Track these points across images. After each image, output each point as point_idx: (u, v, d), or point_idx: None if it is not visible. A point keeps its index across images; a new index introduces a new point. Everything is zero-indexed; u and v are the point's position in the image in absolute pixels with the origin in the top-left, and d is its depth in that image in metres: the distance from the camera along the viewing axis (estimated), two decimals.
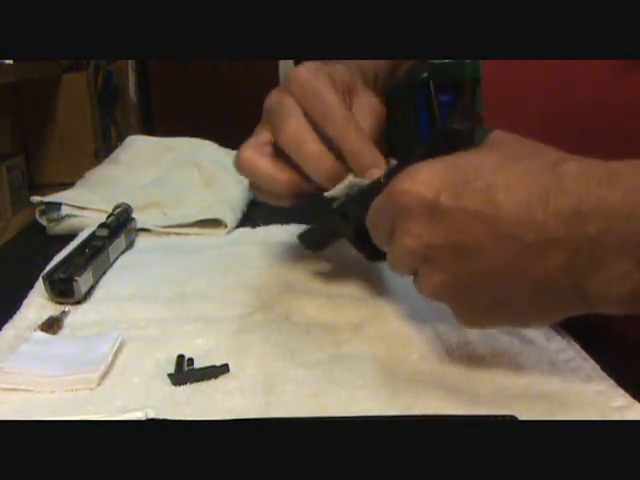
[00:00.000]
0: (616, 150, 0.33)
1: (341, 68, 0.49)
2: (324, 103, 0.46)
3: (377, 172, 0.45)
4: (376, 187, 0.42)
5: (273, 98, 0.49)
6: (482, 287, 0.36)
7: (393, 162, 0.47)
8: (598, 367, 0.40)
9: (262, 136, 0.50)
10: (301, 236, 0.56)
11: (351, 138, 0.46)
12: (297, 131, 0.46)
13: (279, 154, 0.48)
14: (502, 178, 0.34)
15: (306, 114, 0.47)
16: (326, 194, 0.47)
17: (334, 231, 0.51)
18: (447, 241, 0.35)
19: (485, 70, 0.57)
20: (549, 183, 0.33)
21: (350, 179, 0.46)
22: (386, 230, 0.39)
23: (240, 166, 0.49)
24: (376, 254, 0.46)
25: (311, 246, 0.57)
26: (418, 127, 0.95)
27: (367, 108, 0.49)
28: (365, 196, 0.43)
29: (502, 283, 0.35)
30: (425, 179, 0.36)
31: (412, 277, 0.40)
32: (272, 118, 0.49)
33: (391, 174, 0.40)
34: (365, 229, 0.42)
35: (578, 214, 0.32)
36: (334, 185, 0.47)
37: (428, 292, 0.38)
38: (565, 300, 0.35)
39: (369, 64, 0.53)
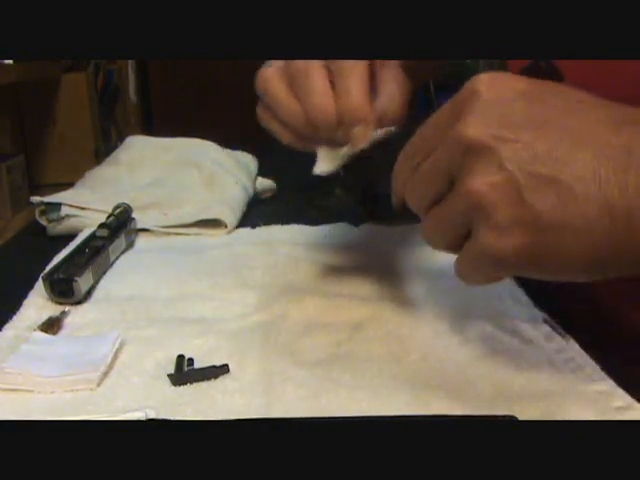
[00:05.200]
0: None
1: None
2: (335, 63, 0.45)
3: (362, 134, 0.44)
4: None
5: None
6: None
7: (378, 132, 0.45)
8: (598, 367, 0.40)
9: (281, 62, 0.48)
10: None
11: (352, 86, 0.44)
12: (308, 64, 0.45)
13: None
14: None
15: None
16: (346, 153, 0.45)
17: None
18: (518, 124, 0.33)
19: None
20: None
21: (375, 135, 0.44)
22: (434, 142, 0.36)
23: (259, 85, 0.47)
24: (373, 210, 0.43)
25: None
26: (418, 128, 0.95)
27: (391, 76, 0.47)
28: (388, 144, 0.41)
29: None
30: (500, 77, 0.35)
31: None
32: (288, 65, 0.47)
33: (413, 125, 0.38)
34: (371, 188, 0.40)
35: None
36: (327, 128, 0.45)
37: (476, 191, 0.33)
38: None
39: None
